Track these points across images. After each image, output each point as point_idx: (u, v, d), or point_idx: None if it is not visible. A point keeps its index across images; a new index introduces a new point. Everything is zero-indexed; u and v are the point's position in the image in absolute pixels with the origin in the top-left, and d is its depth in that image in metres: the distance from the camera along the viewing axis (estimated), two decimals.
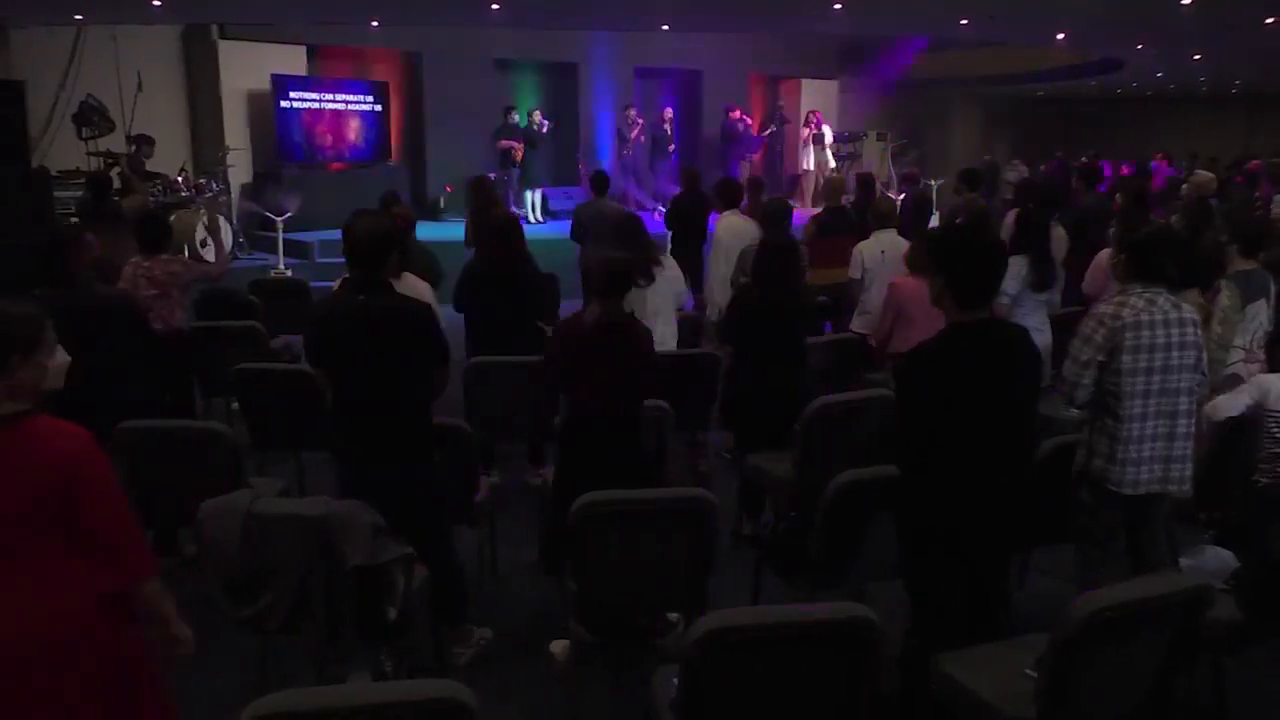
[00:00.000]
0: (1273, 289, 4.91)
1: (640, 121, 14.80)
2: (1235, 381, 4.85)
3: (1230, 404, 3.87)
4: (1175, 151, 18.38)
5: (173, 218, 10.26)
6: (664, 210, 11.77)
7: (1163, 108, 25.02)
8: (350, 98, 13.19)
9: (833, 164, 16.32)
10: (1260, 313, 4.87)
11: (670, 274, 5.50)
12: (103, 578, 2.16)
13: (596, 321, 3.66)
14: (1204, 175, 9.23)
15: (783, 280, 4.74)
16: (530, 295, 5.35)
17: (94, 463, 2.16)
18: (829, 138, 16.50)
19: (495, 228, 5.43)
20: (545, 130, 13.50)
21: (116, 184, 9.43)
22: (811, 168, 16.33)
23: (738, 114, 15.71)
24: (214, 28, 12.20)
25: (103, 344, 4.13)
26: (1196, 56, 16.41)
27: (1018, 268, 5.22)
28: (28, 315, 2.19)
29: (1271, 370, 4.78)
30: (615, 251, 5.21)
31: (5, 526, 2.08)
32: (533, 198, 13.52)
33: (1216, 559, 3.31)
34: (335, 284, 4.53)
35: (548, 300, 6.09)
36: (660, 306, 5.39)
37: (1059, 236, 6.25)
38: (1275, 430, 3.78)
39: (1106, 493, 3.36)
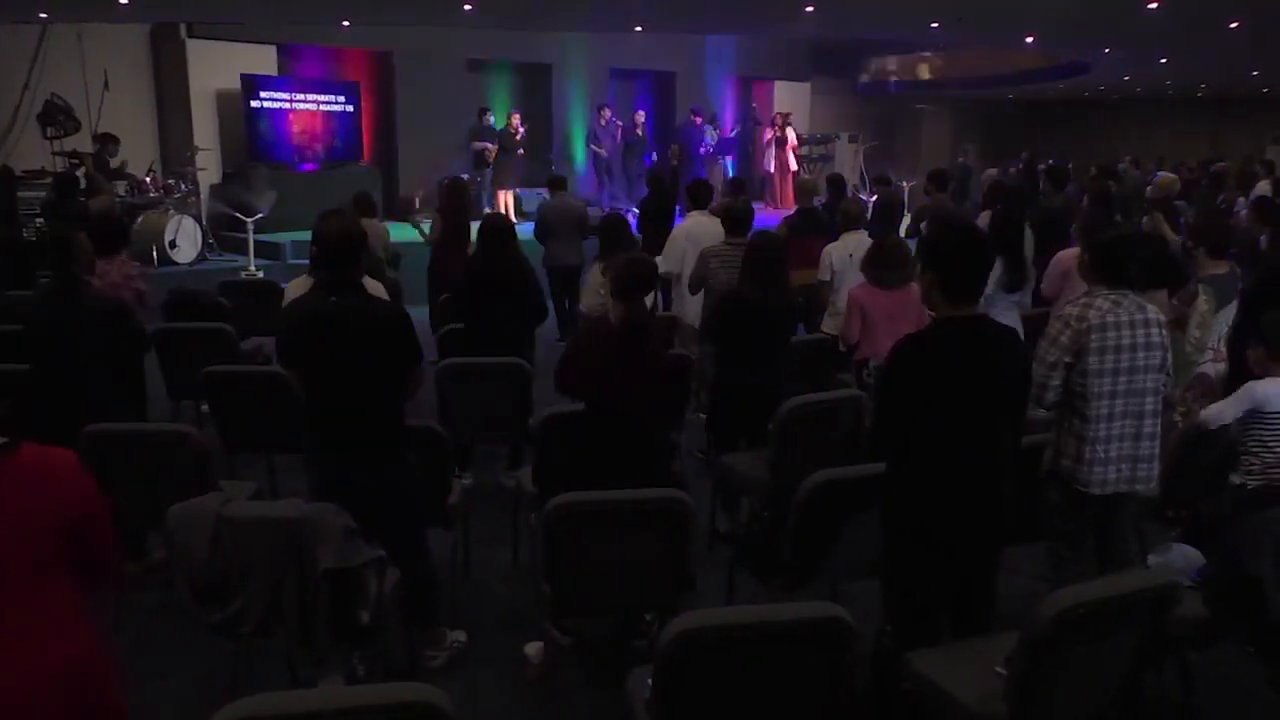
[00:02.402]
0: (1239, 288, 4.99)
1: (619, 124, 14.80)
2: (1204, 381, 4.92)
3: (1222, 412, 3.81)
4: (1142, 154, 18.63)
5: (140, 219, 10.19)
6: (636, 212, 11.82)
7: (1130, 111, 25.35)
8: (321, 98, 13.10)
9: (794, 166, 16.39)
10: (1230, 315, 4.93)
11: None
12: (90, 591, 2.09)
13: (623, 323, 3.65)
14: (1168, 177, 9.36)
15: (772, 280, 4.77)
16: (531, 296, 5.38)
17: (94, 488, 2.05)
18: (792, 140, 16.57)
19: (493, 229, 5.45)
20: (521, 136, 13.46)
21: (83, 184, 9.32)
22: (773, 169, 16.39)
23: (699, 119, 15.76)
24: (182, 27, 12.08)
25: (94, 346, 4.21)
26: (1163, 60, 16.63)
27: (992, 269, 5.25)
28: None
29: (1232, 366, 4.86)
30: (571, 247, 5.21)
31: (9, 568, 1.90)
32: (506, 199, 13.49)
33: (1183, 557, 3.35)
34: (290, 285, 4.51)
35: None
36: None
37: (1027, 238, 6.31)
38: (1268, 437, 3.79)
39: (1075, 493, 3.40)
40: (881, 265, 5.10)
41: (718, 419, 4.98)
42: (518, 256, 5.40)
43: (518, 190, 13.84)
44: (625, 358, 3.64)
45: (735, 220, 5.93)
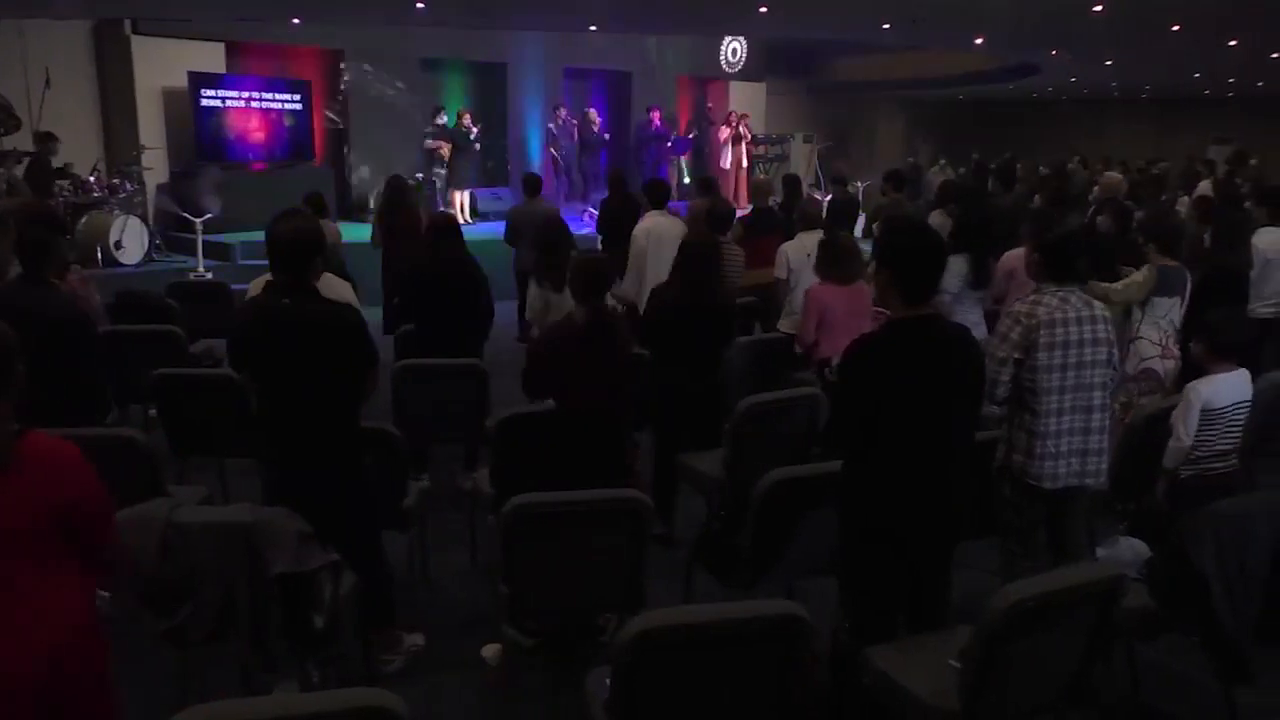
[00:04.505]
0: (1188, 287, 5.13)
1: (575, 123, 14.76)
2: (1150, 375, 5.06)
3: (1183, 435, 3.87)
4: (1091, 154, 19.01)
5: (84, 219, 9.98)
6: (594, 213, 11.78)
7: (1078, 111, 25.84)
8: (271, 96, 12.91)
9: (745, 163, 16.50)
10: (1172, 309, 5.07)
11: None
12: (94, 578, 2.29)
13: (587, 323, 3.68)
14: (1113, 177, 9.55)
15: (704, 282, 4.76)
16: (478, 295, 5.35)
17: (92, 478, 2.22)
18: (747, 138, 16.67)
19: (438, 228, 5.41)
20: (474, 136, 13.36)
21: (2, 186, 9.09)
22: (729, 166, 16.49)
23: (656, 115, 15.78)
24: (127, 23, 11.84)
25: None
26: (1108, 62, 16.97)
27: (958, 266, 5.32)
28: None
29: (1185, 364, 5.00)
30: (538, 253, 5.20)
31: (17, 543, 2.08)
32: (461, 198, 13.40)
33: (1131, 549, 3.42)
34: (251, 286, 4.44)
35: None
36: None
37: None
38: (1207, 431, 3.90)
39: (1027, 487, 3.45)
40: (833, 261, 5.14)
41: (658, 420, 4.94)
42: (464, 256, 5.36)
43: (473, 190, 13.77)
44: (592, 357, 3.67)
45: (719, 219, 5.95)
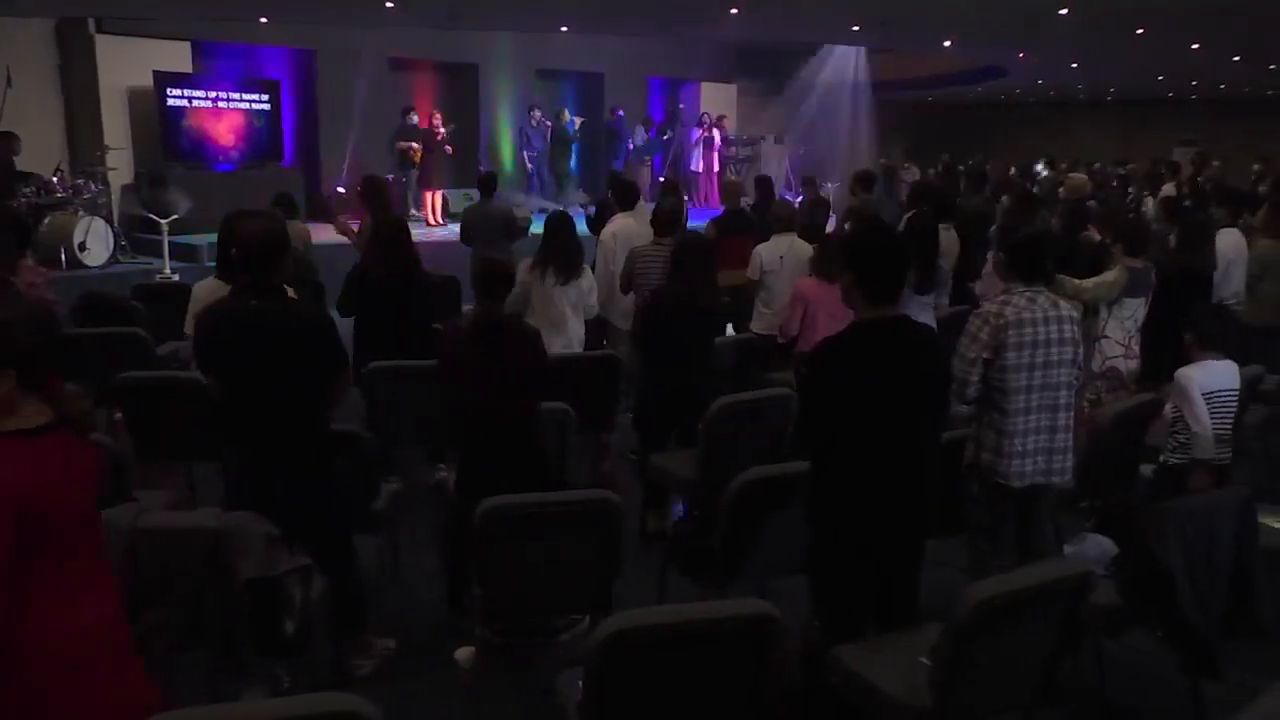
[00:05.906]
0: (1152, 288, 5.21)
1: (549, 124, 14.73)
2: (1114, 374, 5.12)
3: (1199, 416, 3.91)
4: (1058, 155, 19.20)
5: (47, 220, 9.82)
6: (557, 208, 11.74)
7: (1046, 113, 26.12)
8: (239, 96, 12.78)
9: (717, 166, 16.55)
10: (1137, 311, 5.14)
11: (583, 278, 5.50)
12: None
13: (474, 322, 3.68)
14: (1078, 178, 9.66)
15: (700, 280, 4.79)
16: (421, 299, 5.30)
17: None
18: (717, 141, 16.72)
19: (382, 233, 5.36)
20: (442, 136, 13.26)
21: None
22: (700, 169, 16.52)
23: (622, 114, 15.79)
24: (91, 22, 11.67)
25: None
26: (1074, 64, 17.18)
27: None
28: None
29: (1146, 360, 5.08)
30: (496, 251, 5.20)
31: (81, 525, 2.13)
32: (433, 199, 13.32)
33: (1097, 546, 3.46)
34: (197, 286, 4.40)
35: (445, 304, 6.03)
36: (571, 308, 5.41)
37: (950, 240, 6.46)
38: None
39: (995, 485, 3.48)
40: (827, 259, 5.17)
41: (645, 419, 4.98)
42: (410, 258, 5.30)
43: (445, 191, 13.69)
44: (480, 357, 3.65)
45: (663, 221, 5.95)
